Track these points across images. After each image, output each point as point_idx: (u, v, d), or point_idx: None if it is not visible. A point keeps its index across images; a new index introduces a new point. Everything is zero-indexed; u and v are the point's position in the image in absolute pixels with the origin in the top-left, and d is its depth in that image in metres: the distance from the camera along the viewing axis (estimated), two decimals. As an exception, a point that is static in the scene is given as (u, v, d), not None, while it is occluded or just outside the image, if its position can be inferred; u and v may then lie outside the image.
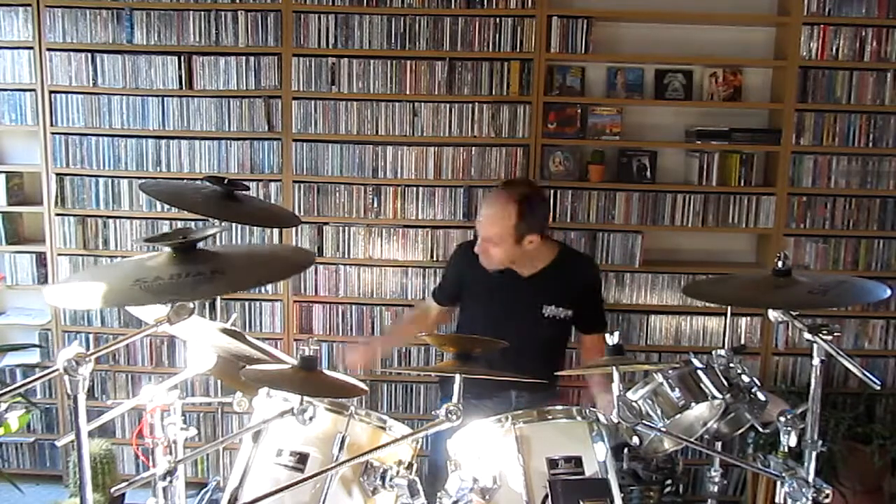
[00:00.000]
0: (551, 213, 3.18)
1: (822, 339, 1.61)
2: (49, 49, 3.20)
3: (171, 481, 1.67)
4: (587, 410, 1.79)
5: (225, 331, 1.75)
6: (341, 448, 1.70)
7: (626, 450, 2.11)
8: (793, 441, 1.69)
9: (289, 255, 1.94)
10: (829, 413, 3.06)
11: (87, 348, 1.24)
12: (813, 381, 1.63)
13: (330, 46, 3.19)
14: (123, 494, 2.89)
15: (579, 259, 2.69)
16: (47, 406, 3.44)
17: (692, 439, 1.86)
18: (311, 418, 1.68)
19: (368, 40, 3.19)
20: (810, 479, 1.59)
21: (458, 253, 2.77)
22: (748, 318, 3.30)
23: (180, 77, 3.21)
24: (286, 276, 3.01)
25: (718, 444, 2.07)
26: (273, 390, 1.80)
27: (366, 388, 1.73)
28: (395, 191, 3.26)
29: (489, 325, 2.51)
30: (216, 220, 2.27)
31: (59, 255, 3.33)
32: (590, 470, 1.68)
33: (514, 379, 2.01)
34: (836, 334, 1.63)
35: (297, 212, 3.25)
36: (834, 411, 3.12)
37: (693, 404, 1.81)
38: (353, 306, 3.33)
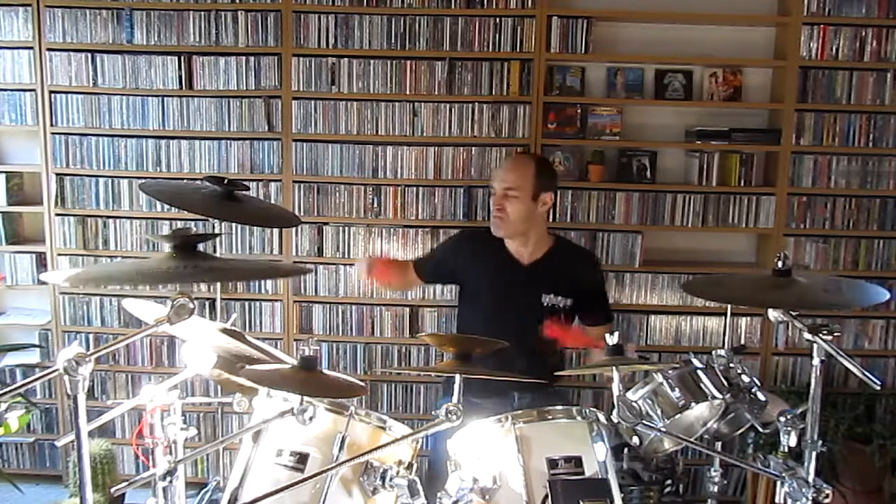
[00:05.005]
0: (551, 213, 3.19)
1: (822, 339, 1.61)
2: (49, 49, 3.20)
3: (171, 481, 1.67)
4: (587, 410, 1.79)
5: (225, 331, 1.76)
6: (341, 448, 1.70)
7: (626, 450, 2.11)
8: (793, 441, 1.69)
9: (287, 266, 1.95)
10: (829, 413, 3.06)
11: (87, 348, 1.24)
12: (813, 381, 1.63)
13: (330, 46, 3.19)
14: (123, 494, 2.89)
15: (577, 251, 2.75)
16: (47, 406, 3.44)
17: (692, 439, 1.86)
18: (311, 418, 1.68)
19: (368, 40, 3.19)
20: (810, 479, 1.59)
21: (462, 239, 2.80)
22: (748, 318, 3.30)
23: (180, 77, 3.21)
24: (283, 276, 3.02)
25: (718, 444, 2.07)
26: (273, 390, 1.80)
27: (366, 388, 1.73)
28: (395, 191, 3.26)
29: (489, 314, 2.54)
30: (216, 221, 2.27)
31: (59, 255, 3.33)
32: (590, 470, 1.68)
33: (514, 379, 2.02)
34: (836, 334, 1.63)
35: (297, 212, 3.25)
36: (834, 411, 3.12)
37: (693, 404, 1.81)
38: (353, 306, 3.33)
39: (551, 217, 3.18)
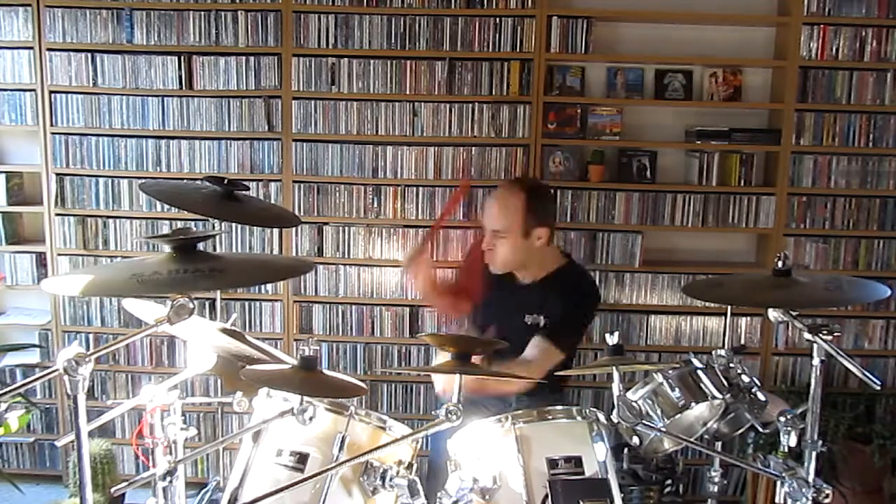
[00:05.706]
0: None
1: (822, 339, 1.61)
2: (49, 49, 3.20)
3: (171, 481, 1.67)
4: (587, 410, 1.79)
5: (225, 331, 1.76)
6: (341, 448, 1.70)
7: (626, 450, 2.11)
8: (793, 441, 1.69)
9: (288, 261, 1.95)
10: (829, 413, 3.06)
11: (87, 348, 1.24)
12: (813, 381, 1.64)
13: (330, 46, 3.19)
14: (123, 494, 2.89)
15: (577, 281, 2.50)
16: (47, 406, 3.44)
17: (692, 439, 1.86)
18: (311, 418, 1.68)
19: (368, 40, 3.19)
20: (810, 479, 1.59)
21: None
22: (748, 318, 3.30)
23: (180, 77, 3.21)
24: (284, 278, 3.01)
25: (718, 444, 2.07)
26: (273, 390, 1.80)
27: (366, 388, 1.73)
28: (395, 191, 3.26)
29: (482, 322, 2.53)
30: (216, 220, 2.27)
31: (59, 255, 3.33)
32: (590, 470, 1.68)
33: (514, 379, 2.02)
34: (836, 334, 1.63)
35: (297, 212, 3.25)
36: (834, 411, 3.12)
37: (693, 404, 1.81)
38: (353, 306, 3.33)
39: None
